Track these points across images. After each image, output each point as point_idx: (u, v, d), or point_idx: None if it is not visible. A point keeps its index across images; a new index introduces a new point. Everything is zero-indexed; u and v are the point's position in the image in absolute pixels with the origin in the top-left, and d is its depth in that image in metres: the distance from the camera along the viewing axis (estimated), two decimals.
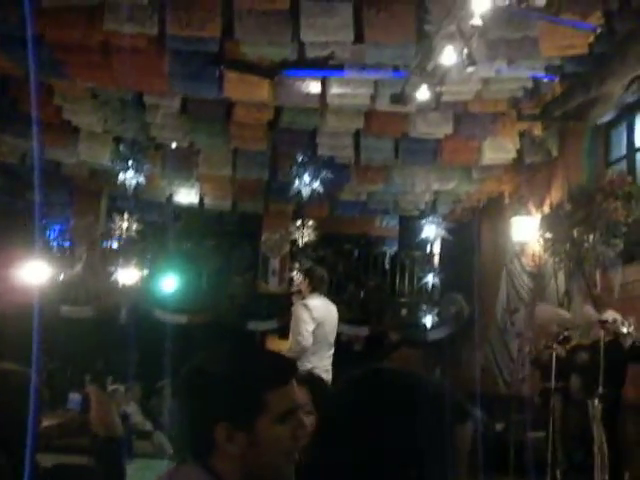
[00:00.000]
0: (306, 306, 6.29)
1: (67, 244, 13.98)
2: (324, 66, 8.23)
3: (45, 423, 2.16)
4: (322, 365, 6.27)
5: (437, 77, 7.61)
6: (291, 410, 1.57)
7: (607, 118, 9.21)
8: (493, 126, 9.61)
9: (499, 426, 10.27)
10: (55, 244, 14.26)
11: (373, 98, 8.85)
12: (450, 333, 13.18)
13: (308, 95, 8.95)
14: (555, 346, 7.88)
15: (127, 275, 12.82)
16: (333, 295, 13.59)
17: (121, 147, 10.72)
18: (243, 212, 13.90)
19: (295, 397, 1.61)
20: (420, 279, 13.68)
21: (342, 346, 13.76)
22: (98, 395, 2.11)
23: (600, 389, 6.63)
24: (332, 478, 1.17)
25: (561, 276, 9.67)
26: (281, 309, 11.94)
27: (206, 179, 12.07)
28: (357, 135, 10.18)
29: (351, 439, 1.15)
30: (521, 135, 9.95)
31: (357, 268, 14.54)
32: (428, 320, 13.01)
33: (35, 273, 11.78)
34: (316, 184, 10.86)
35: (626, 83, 7.74)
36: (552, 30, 7.09)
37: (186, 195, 12.86)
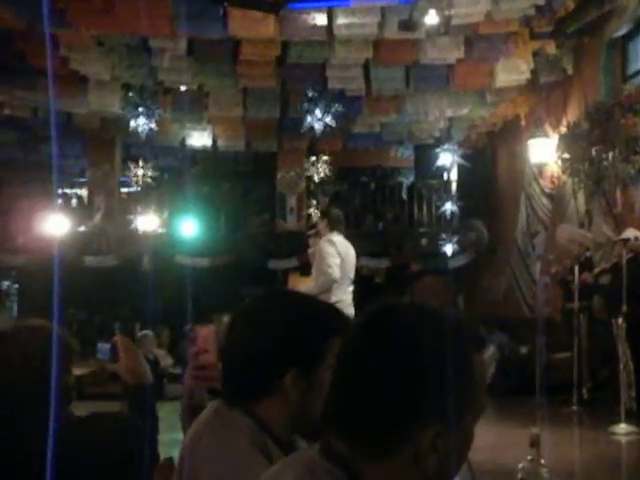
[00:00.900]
0: (331, 241, 6.36)
1: (85, 195, 14.05)
2: None
3: (77, 372, 2.19)
4: (346, 298, 6.33)
5: (445, 0, 7.43)
6: None
7: (622, 32, 8.96)
8: (505, 47, 9.41)
9: (524, 349, 10.36)
10: (73, 195, 14.35)
11: (381, 26, 8.68)
12: (471, 260, 13.19)
13: (314, 27, 8.79)
14: (579, 274, 7.89)
15: (146, 222, 12.89)
16: (352, 229, 13.70)
17: (130, 94, 10.65)
18: (257, 152, 13.84)
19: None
20: (438, 208, 13.63)
21: (363, 279, 13.92)
22: (125, 344, 2.14)
23: (624, 308, 6.63)
24: (347, 418, 1.18)
25: (581, 196, 9.58)
26: (300, 247, 11.98)
27: (218, 120, 12.00)
28: (367, 66, 10.03)
29: (367, 378, 1.15)
30: (535, 54, 9.74)
31: (374, 200, 14.50)
32: (448, 248, 13.00)
33: (55, 226, 11.89)
34: (328, 118, 10.75)
35: None
36: None
37: (199, 138, 12.81)
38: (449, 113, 11.56)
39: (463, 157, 13.07)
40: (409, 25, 8.16)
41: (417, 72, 10.14)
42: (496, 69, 9.91)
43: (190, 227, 12.79)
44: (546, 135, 10.58)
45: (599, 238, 8.37)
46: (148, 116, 10.75)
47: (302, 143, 13.20)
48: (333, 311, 1.72)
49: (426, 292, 15.17)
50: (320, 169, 14.01)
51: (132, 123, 10.80)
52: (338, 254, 6.31)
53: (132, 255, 12.51)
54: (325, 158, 13.87)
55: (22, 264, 12.31)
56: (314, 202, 13.62)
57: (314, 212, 13.28)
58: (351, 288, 6.55)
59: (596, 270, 8.07)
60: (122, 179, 13.96)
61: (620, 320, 6.73)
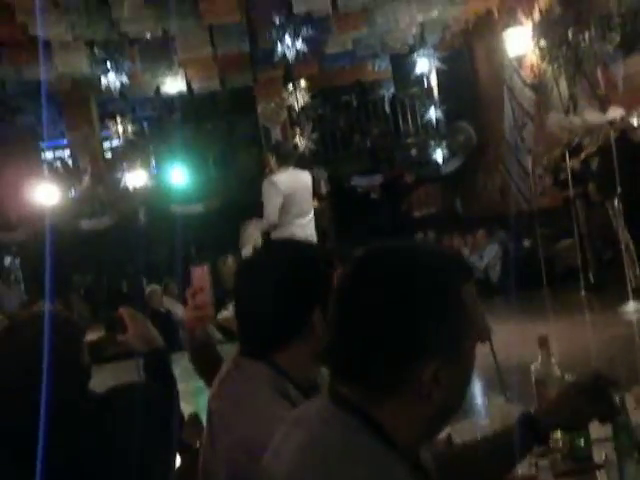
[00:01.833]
0: (271, 182, 6.61)
1: (69, 159, 13.93)
2: None
3: (90, 337, 2.23)
4: (299, 232, 6.42)
5: None
6: None
7: None
8: None
9: (527, 242, 10.46)
10: (57, 161, 14.23)
11: None
12: (463, 162, 13.16)
13: None
14: (569, 161, 7.88)
15: (135, 177, 12.83)
16: (340, 150, 13.65)
17: (96, 51, 10.45)
18: (233, 88, 13.64)
19: None
20: (423, 116, 13.51)
21: (359, 197, 13.96)
22: (131, 314, 2.18)
23: (618, 189, 6.66)
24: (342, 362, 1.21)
25: (563, 82, 9.49)
26: None
27: (188, 63, 11.79)
28: None
29: (362, 320, 1.18)
30: None
31: (358, 118, 14.36)
32: (439, 155, 12.96)
33: (45, 195, 11.85)
34: (299, 43, 10.57)
35: None
36: None
37: (173, 84, 12.61)
38: (420, 18, 11.32)
39: (440, 60, 12.88)
40: None
41: None
42: None
43: (179, 175, 12.73)
44: (521, 24, 10.40)
45: (587, 123, 8.34)
46: (118, 70, 10.59)
47: (277, 72, 12.99)
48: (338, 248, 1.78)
49: (422, 201, 15.21)
50: (299, 95, 13.83)
51: (103, 80, 10.65)
52: (281, 194, 6.48)
53: (127, 212, 12.50)
54: (303, 84, 13.68)
55: (21, 240, 12.32)
56: (298, 130, 13.49)
57: (299, 140, 13.18)
58: (307, 219, 6.69)
59: (582, 155, 8.06)
60: (104, 135, 13.82)
61: (616, 202, 6.77)
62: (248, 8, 10.16)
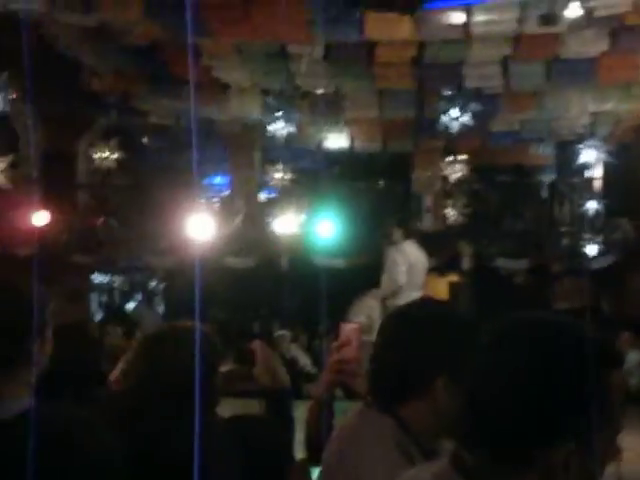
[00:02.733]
0: (400, 250, 6.94)
1: (227, 198, 14.49)
2: None
3: (222, 369, 2.28)
4: None
5: None
6: None
7: None
8: None
9: None
10: (216, 199, 14.83)
11: (520, 22, 8.47)
12: (616, 261, 12.59)
13: (451, 26, 8.70)
14: None
15: (284, 224, 13.14)
16: (491, 229, 13.43)
17: (269, 99, 10.91)
18: (393, 152, 13.81)
19: None
20: (580, 206, 13.10)
21: (501, 279, 13.62)
22: (263, 349, 2.21)
23: None
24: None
25: None
26: (436, 247, 11.84)
27: (354, 122, 12.10)
28: (505, 62, 9.80)
29: (501, 393, 1.14)
30: None
31: (513, 199, 14.13)
32: (591, 249, 12.47)
33: (199, 228, 12.33)
34: (465, 117, 10.60)
35: None
36: None
37: (336, 140, 12.95)
38: (592, 108, 11.12)
39: (608, 153, 12.51)
40: (550, 19, 7.91)
41: (558, 67, 9.82)
42: None
43: (326, 228, 12.92)
44: None
45: None
46: (286, 120, 10.99)
47: (438, 143, 13.06)
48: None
49: (567, 293, 14.63)
50: (457, 168, 13.80)
51: (271, 127, 11.08)
52: (407, 262, 6.86)
53: (270, 256, 12.79)
54: (462, 157, 13.65)
55: (169, 266, 12.86)
56: (450, 202, 13.42)
57: (451, 212, 13.10)
58: (418, 293, 6.81)
59: None
60: (262, 180, 14.31)
61: None
62: (421, 77, 10.31)
